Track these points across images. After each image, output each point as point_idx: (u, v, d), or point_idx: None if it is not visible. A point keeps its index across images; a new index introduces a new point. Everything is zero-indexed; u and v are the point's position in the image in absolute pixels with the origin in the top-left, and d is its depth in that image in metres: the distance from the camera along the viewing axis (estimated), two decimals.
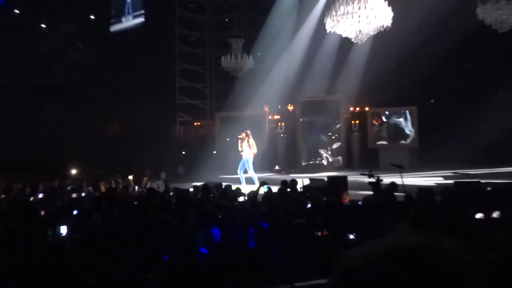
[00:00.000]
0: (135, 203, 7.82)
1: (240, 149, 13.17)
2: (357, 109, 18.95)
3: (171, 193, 10.47)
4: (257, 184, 12.10)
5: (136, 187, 12.04)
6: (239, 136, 13.24)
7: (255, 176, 13.02)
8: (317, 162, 18.58)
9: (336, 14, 12.14)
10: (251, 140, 13.11)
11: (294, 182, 9.82)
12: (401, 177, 9.04)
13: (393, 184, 8.99)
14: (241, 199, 8.90)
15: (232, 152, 15.55)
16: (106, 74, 18.77)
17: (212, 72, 21.13)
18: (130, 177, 12.98)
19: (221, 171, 16.25)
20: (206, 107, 21.20)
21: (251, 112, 18.86)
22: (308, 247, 4.90)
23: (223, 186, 10.32)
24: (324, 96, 18.88)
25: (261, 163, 17.52)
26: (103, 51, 18.86)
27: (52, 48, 18.69)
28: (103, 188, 10.63)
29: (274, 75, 18.64)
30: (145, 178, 12.86)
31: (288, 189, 9.49)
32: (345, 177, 11.17)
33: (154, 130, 19.63)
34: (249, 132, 13.26)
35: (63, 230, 6.12)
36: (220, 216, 6.45)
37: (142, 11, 19.60)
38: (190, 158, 18.61)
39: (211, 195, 9.10)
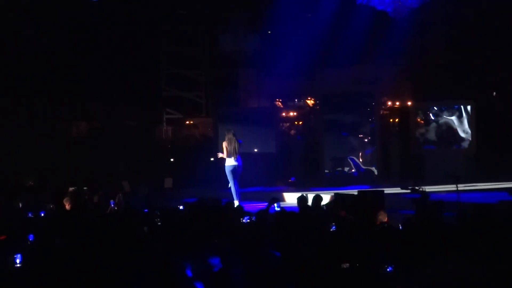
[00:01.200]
0: (109, 224, 8.06)
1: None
2: (397, 103, 18.89)
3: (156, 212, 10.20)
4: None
5: (112, 203, 11.82)
6: (224, 142, 14.14)
7: (234, 189, 14.08)
8: (345, 172, 18.65)
9: None
10: (224, 142, 14.07)
11: (318, 199, 10.10)
12: (457, 192, 9.02)
13: (439, 203, 9.02)
14: (245, 219, 9.12)
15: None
16: (69, 59, 18.53)
17: (208, 56, 20.79)
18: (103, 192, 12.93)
19: (220, 184, 15.90)
20: (201, 100, 20.57)
21: (260, 108, 18.90)
22: (331, 282, 4.95)
23: (223, 203, 10.52)
24: (353, 87, 18.76)
25: (271, 174, 17.74)
26: (65, 28, 18.77)
27: None
28: (67, 206, 10.56)
29: (289, 59, 17.97)
30: (121, 193, 12.82)
31: (308, 207, 9.72)
32: (381, 192, 11.30)
33: (133, 131, 19.40)
34: (230, 131, 14.22)
35: (18, 259, 6.27)
36: (219, 242, 6.58)
37: None
38: (181, 167, 18.51)
39: (207, 214, 9.24)
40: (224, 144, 13.98)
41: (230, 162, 14.00)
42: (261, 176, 17.44)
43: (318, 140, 18.90)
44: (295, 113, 19.53)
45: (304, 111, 19.59)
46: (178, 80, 20.46)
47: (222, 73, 20.22)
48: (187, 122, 20.60)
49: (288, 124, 19.34)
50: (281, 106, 19.50)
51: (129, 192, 13.88)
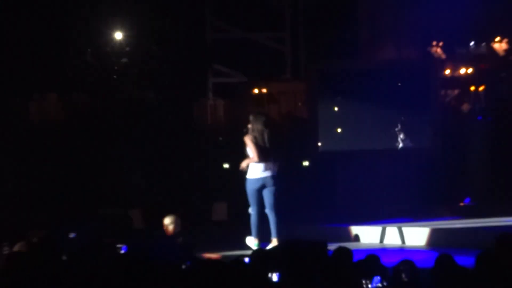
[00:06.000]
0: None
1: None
2: None
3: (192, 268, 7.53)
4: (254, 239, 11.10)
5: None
6: (249, 137, 11.87)
7: (256, 220, 11.43)
8: None
9: None
10: (248, 137, 11.50)
11: None
12: None
13: None
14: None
15: (351, 162, 14.13)
16: None
17: None
18: None
19: (324, 212, 13.60)
20: (285, 48, 16.63)
21: (399, 61, 15.58)
22: None
23: (331, 251, 8.12)
24: None
25: (421, 190, 13.91)
26: None
27: None
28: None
29: None
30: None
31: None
32: None
33: (152, 110, 15.36)
34: (258, 117, 11.68)
35: None
36: None
37: None
38: (243, 180, 14.95)
39: (301, 272, 6.73)
40: (249, 139, 11.33)
41: (256, 172, 11.48)
42: (403, 195, 13.85)
43: None
44: (469, 70, 15.20)
45: (488, 65, 15.31)
46: (237, 9, 16.52)
47: None
48: (256, 91, 16.11)
49: (455, 91, 15.27)
50: (442, 57, 15.45)
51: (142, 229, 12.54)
